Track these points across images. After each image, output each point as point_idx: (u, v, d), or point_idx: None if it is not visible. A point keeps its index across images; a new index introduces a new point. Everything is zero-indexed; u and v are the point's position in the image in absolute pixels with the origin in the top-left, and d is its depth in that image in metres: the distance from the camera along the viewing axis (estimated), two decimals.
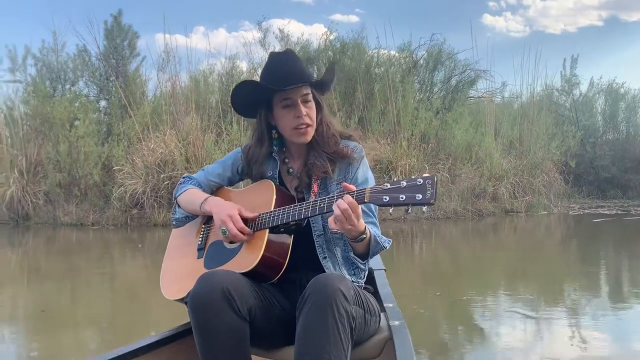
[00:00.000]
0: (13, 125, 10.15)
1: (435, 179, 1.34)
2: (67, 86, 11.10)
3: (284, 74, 1.63)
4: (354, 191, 1.43)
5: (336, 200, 1.43)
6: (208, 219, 1.75)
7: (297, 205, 1.56)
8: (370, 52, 11.86)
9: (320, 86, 1.72)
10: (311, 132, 1.68)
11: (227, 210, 1.61)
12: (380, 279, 2.06)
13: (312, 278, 1.41)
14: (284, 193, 1.69)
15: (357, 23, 19.64)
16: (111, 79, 10.97)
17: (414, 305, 3.73)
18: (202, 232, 1.77)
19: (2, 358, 2.89)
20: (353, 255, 1.61)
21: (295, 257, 1.59)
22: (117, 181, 8.96)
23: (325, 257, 1.65)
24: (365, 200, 1.41)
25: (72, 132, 9.62)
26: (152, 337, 1.67)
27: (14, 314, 3.92)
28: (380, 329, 1.63)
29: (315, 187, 1.67)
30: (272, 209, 1.60)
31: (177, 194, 1.84)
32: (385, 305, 1.78)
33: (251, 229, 1.60)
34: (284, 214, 1.56)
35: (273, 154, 1.76)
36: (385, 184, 1.39)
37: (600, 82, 15.09)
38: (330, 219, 1.44)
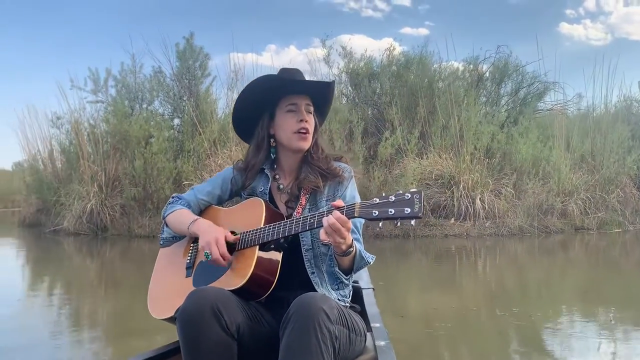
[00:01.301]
0: (95, 142, 10.88)
1: (422, 193, 1.39)
2: (144, 105, 11.72)
3: (297, 78, 1.77)
4: (344, 206, 1.48)
5: (326, 216, 1.46)
6: (196, 238, 1.75)
7: (286, 222, 1.57)
8: (434, 66, 11.81)
9: (322, 103, 1.83)
10: (309, 140, 1.76)
11: (213, 234, 1.62)
12: (368, 298, 2.03)
13: (296, 298, 1.41)
14: (273, 210, 1.71)
15: (427, 36, 19.52)
16: (184, 99, 11.50)
17: (478, 323, 3.70)
18: (190, 251, 1.77)
19: (78, 354, 3.15)
20: (337, 269, 1.63)
21: (284, 274, 1.60)
22: None
23: (313, 273, 1.68)
24: (355, 215, 1.46)
25: (147, 149, 10.18)
26: (141, 354, 1.67)
27: (92, 319, 4.22)
28: (366, 348, 1.62)
29: (303, 201, 1.72)
30: (261, 226, 1.62)
31: (166, 214, 1.85)
32: (372, 325, 1.77)
33: (240, 247, 1.62)
34: (274, 230, 1.58)
35: (265, 170, 1.81)
36: (374, 199, 1.44)
37: None
38: (322, 231, 1.46)
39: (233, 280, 1.56)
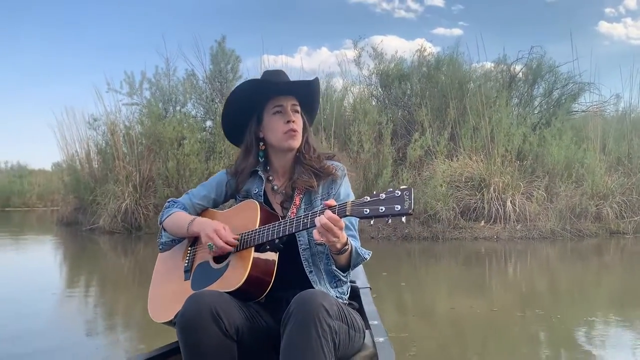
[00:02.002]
0: (130, 143, 11.18)
1: (412, 190, 1.39)
2: (177, 108, 11.94)
3: (280, 80, 1.77)
4: (336, 205, 1.48)
5: (319, 215, 1.47)
6: (193, 242, 1.79)
7: (281, 222, 1.59)
8: (465, 67, 11.71)
9: (309, 102, 1.83)
10: (299, 138, 1.77)
11: (211, 226, 1.66)
12: (366, 297, 2.05)
13: (296, 295, 1.43)
14: (268, 211, 1.72)
15: (459, 37, 19.30)
16: (216, 101, 11.69)
17: (507, 326, 3.67)
18: (188, 255, 1.79)
19: (115, 352, 3.26)
20: (334, 267, 1.66)
21: (282, 273, 1.61)
22: None
23: (311, 271, 1.69)
24: (347, 214, 1.45)
25: (180, 150, 10.39)
26: (141, 355, 1.69)
27: (127, 314, 4.36)
28: (365, 345, 1.64)
29: (297, 201, 1.73)
30: (257, 227, 1.63)
31: (163, 218, 1.86)
32: (370, 322, 1.79)
33: (237, 248, 1.64)
34: (269, 231, 1.59)
35: (259, 172, 1.81)
36: (366, 197, 1.44)
37: None
38: (315, 232, 1.48)
39: (230, 282, 1.58)
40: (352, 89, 12.17)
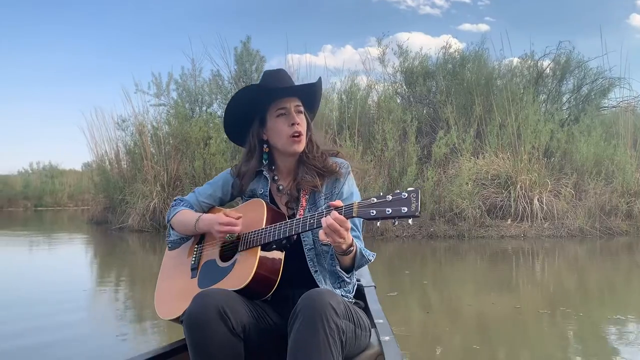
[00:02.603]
0: (157, 144, 11.39)
1: (419, 192, 1.38)
2: (204, 108, 12.13)
3: (283, 83, 1.75)
4: (343, 207, 1.48)
5: (325, 216, 1.47)
6: (200, 239, 1.81)
7: (287, 222, 1.59)
8: (491, 63, 11.59)
9: (311, 100, 1.82)
10: (304, 142, 1.76)
11: (217, 219, 1.69)
12: (371, 296, 2.05)
13: (304, 294, 1.43)
14: (275, 211, 1.72)
15: (485, 32, 19.01)
16: None
17: (534, 324, 3.64)
18: (194, 252, 1.80)
19: (142, 341, 3.36)
20: (339, 268, 1.65)
21: (287, 272, 1.63)
22: None
23: (316, 271, 1.69)
24: (354, 215, 1.45)
25: (206, 150, 10.54)
26: (147, 353, 1.68)
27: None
28: (370, 344, 1.64)
29: (303, 202, 1.73)
30: (263, 227, 1.64)
31: (170, 217, 1.88)
32: (375, 321, 1.79)
33: (243, 247, 1.66)
34: (275, 231, 1.60)
35: (264, 172, 1.82)
36: (372, 199, 1.43)
37: None
38: (321, 232, 1.47)
39: (237, 280, 1.59)
40: (376, 87, 12.14)
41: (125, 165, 12.54)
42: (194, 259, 1.78)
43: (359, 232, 1.71)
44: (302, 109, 1.78)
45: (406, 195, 1.39)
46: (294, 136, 1.73)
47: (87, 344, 3.34)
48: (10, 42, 24.77)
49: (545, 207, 8.82)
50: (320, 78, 1.86)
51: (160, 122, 12.00)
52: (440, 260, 7.27)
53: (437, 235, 8.83)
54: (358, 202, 1.46)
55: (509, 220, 8.90)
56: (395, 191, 1.41)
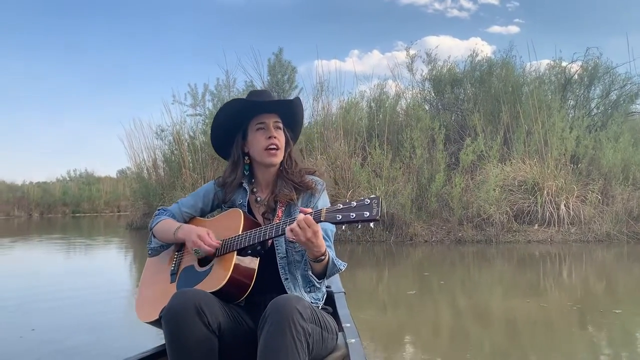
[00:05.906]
0: (194, 152, 11.86)
1: (380, 199, 1.51)
2: None
3: (263, 98, 1.92)
4: (312, 212, 1.60)
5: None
6: (180, 247, 1.91)
7: (261, 228, 1.71)
8: (518, 70, 11.72)
9: (291, 119, 1.98)
10: (280, 155, 1.91)
11: (195, 232, 1.80)
12: (340, 301, 2.16)
13: (272, 299, 1.53)
14: (252, 220, 1.84)
15: (515, 35, 18.80)
16: None
17: (563, 327, 3.71)
18: (174, 259, 1.90)
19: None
20: (310, 273, 1.77)
21: (261, 279, 1.74)
22: None
23: (287, 279, 1.81)
24: (322, 219, 1.55)
25: None
26: (133, 357, 1.75)
27: None
28: (338, 346, 1.77)
29: (279, 213, 1.86)
30: (239, 234, 1.75)
31: (153, 225, 1.98)
32: (343, 325, 1.91)
33: (221, 252, 1.75)
34: (250, 236, 1.71)
35: (244, 184, 1.95)
36: (339, 205, 1.55)
37: None
38: (287, 229, 1.59)
39: (213, 282, 1.68)
40: (405, 94, 12.39)
41: (163, 173, 12.98)
42: (173, 265, 1.89)
43: (331, 242, 1.84)
44: (281, 125, 1.94)
45: (369, 201, 1.51)
46: (270, 148, 1.87)
47: (122, 339, 3.55)
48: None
49: (572, 213, 8.96)
50: (298, 97, 2.04)
51: (196, 131, 12.45)
52: (470, 264, 7.45)
53: (465, 240, 9.03)
54: (326, 208, 1.58)
55: (536, 225, 9.07)
56: (360, 198, 1.54)
